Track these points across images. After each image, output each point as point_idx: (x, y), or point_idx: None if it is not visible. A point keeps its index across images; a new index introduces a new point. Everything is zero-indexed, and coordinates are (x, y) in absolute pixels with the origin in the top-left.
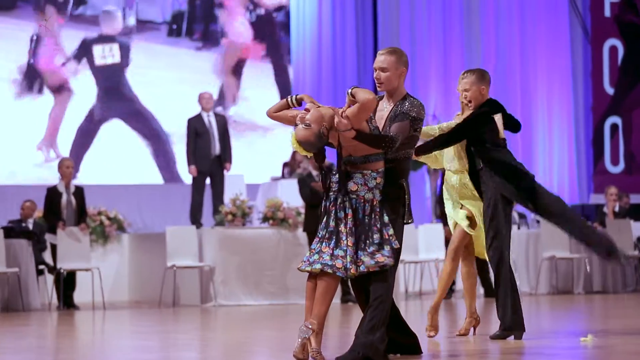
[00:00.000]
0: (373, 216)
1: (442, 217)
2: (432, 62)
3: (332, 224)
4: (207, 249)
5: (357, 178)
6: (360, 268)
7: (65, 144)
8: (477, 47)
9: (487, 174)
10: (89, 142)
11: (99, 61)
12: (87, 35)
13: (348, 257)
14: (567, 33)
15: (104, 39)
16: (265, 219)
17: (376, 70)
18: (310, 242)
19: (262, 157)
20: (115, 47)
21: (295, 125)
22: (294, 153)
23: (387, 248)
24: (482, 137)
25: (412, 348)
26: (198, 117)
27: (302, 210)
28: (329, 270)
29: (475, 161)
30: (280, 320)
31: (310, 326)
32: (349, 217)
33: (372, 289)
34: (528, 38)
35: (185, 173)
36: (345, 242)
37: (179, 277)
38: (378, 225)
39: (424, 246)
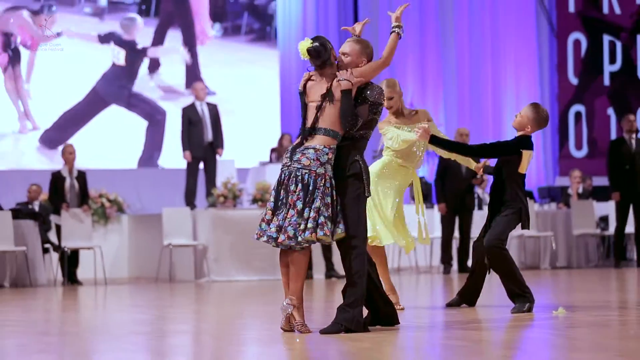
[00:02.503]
0: (325, 190)
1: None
2: (409, 55)
3: (282, 194)
4: (200, 228)
5: (309, 153)
6: (299, 237)
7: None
8: (451, 42)
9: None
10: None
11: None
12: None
13: (285, 227)
14: (534, 27)
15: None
16: (254, 200)
17: (340, 55)
18: None
19: (251, 143)
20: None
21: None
22: (281, 139)
23: (342, 225)
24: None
25: (390, 317)
26: (192, 107)
27: None
28: (273, 244)
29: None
30: (269, 294)
31: (290, 302)
32: (297, 190)
33: (350, 265)
34: (498, 32)
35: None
36: (288, 213)
37: (174, 254)
38: (327, 200)
39: None
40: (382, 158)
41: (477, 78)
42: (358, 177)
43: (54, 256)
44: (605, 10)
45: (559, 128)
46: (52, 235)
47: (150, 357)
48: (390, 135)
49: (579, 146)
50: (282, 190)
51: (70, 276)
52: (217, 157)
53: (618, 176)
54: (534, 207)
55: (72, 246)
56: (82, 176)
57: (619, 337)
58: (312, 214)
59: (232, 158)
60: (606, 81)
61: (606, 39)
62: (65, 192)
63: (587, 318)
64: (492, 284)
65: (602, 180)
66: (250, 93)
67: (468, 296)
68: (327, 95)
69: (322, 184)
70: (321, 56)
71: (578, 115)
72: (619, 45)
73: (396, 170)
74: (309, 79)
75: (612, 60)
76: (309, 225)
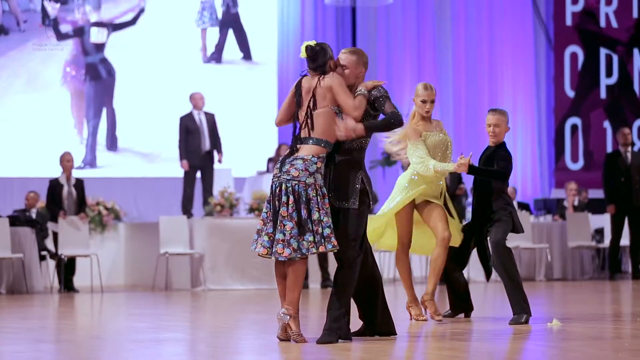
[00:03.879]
0: (319, 200)
1: None
2: (407, 67)
3: (276, 205)
4: (197, 237)
5: (297, 164)
6: (304, 250)
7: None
8: (448, 54)
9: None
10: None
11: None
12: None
13: (287, 240)
14: (531, 40)
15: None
16: (251, 209)
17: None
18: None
19: (249, 153)
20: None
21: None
22: (278, 149)
23: (334, 236)
24: None
25: (387, 328)
26: (189, 115)
27: None
28: (270, 256)
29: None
30: (265, 303)
31: (286, 311)
32: (290, 202)
33: (341, 275)
34: (495, 45)
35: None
36: (285, 225)
37: (171, 263)
38: (326, 210)
39: None
40: (405, 173)
41: (473, 90)
42: (364, 193)
43: (51, 263)
44: (602, 23)
45: (555, 140)
46: (49, 243)
47: None
48: (419, 154)
49: (575, 159)
50: (276, 202)
51: (66, 283)
52: (217, 162)
53: (613, 189)
54: (529, 219)
55: (68, 254)
56: (79, 184)
57: (614, 350)
58: (315, 227)
59: (229, 167)
60: (602, 94)
61: (603, 52)
62: (62, 199)
63: (582, 330)
64: (488, 294)
65: (597, 193)
66: (248, 102)
67: (460, 305)
68: (312, 102)
69: (314, 194)
70: (317, 59)
71: (574, 127)
72: (615, 58)
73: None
74: (302, 80)
75: (609, 74)
76: (316, 239)
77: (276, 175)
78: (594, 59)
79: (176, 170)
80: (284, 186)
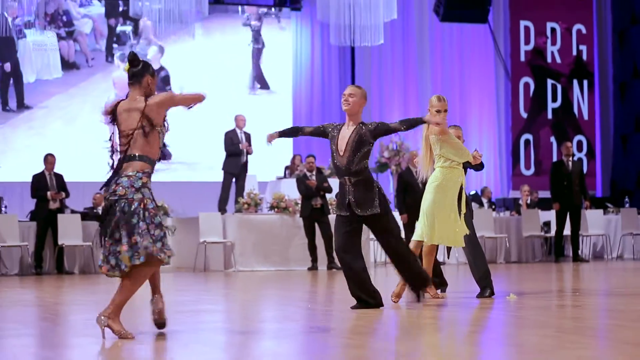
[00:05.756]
0: (147, 214)
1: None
2: (395, 96)
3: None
4: (229, 229)
5: (123, 182)
6: (122, 265)
7: None
8: (428, 83)
9: None
10: None
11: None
12: None
13: (101, 255)
14: (492, 73)
15: None
16: (272, 207)
17: (345, 96)
18: (305, 226)
19: (270, 162)
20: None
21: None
22: (293, 159)
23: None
24: None
25: (377, 301)
26: (233, 131)
27: (299, 201)
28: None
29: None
30: (283, 281)
31: (105, 315)
32: (117, 218)
33: (400, 250)
34: (465, 77)
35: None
36: (106, 241)
37: (208, 249)
38: (155, 222)
39: None
40: (436, 174)
41: (448, 113)
42: (387, 201)
43: None
44: (549, 59)
45: (512, 152)
46: None
47: (190, 331)
48: (459, 143)
49: (527, 166)
50: (106, 220)
51: None
52: (247, 173)
53: (558, 190)
54: (492, 214)
55: None
56: None
57: (558, 317)
58: (140, 239)
59: (254, 173)
60: (549, 115)
61: (549, 82)
62: None
63: (533, 302)
64: (460, 274)
65: (545, 194)
66: (268, 123)
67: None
68: (143, 125)
69: (140, 208)
70: (137, 66)
71: (527, 142)
72: (559, 87)
73: (450, 178)
74: (117, 105)
75: (554, 99)
76: (138, 249)
77: (106, 198)
78: (542, 87)
79: (214, 176)
80: (112, 206)
